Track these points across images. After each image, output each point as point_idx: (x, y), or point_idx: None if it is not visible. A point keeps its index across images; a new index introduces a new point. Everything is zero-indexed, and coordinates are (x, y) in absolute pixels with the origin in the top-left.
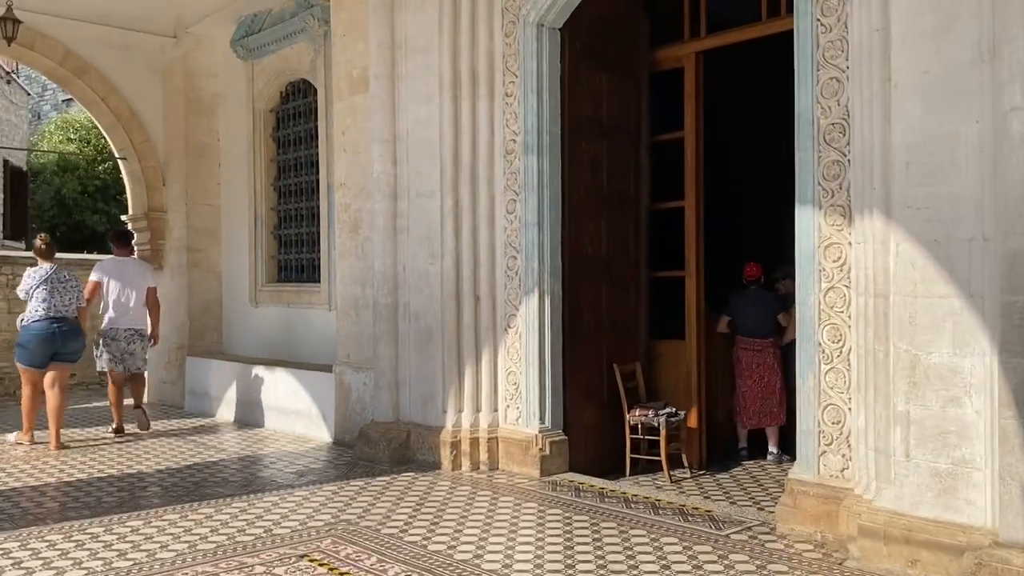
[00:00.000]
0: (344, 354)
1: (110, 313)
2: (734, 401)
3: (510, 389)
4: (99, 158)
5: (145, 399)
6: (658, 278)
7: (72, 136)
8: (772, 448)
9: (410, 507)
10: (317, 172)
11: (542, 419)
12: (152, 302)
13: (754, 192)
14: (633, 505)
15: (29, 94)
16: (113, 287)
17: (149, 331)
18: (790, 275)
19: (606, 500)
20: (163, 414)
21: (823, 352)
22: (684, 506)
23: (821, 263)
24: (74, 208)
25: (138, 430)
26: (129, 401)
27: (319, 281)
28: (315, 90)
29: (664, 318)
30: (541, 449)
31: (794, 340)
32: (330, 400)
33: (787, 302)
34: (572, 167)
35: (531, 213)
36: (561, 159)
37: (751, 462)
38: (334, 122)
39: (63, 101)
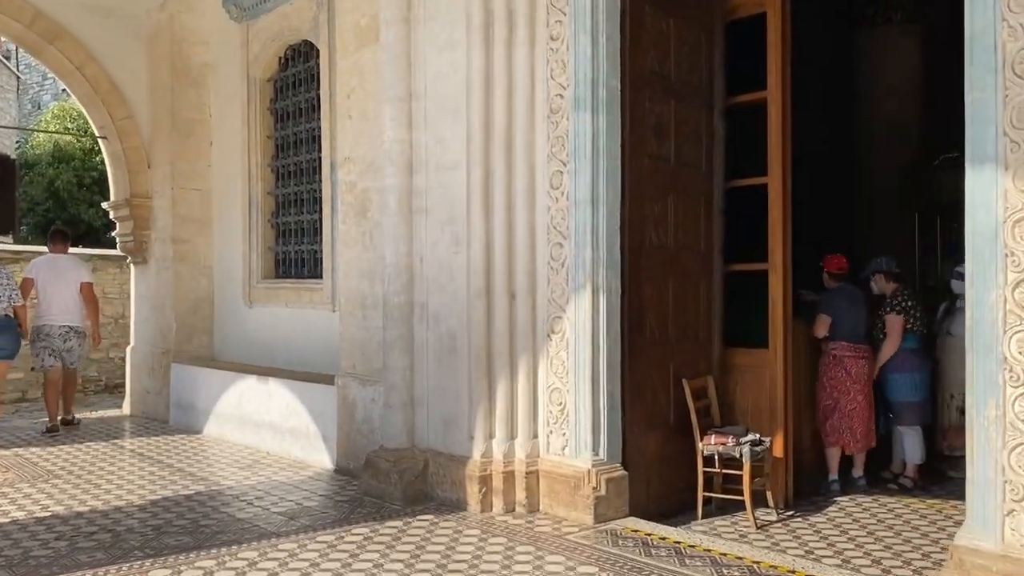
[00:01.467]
0: (348, 364)
1: (42, 309)
2: (825, 420)
3: (554, 411)
4: (95, 148)
5: (122, 410)
6: (733, 272)
7: (69, 125)
8: (859, 474)
9: (428, 572)
10: (319, 149)
11: (595, 449)
12: (88, 297)
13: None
14: (727, 570)
15: (19, 76)
16: (45, 283)
17: (88, 329)
18: (882, 270)
19: (687, 562)
20: (144, 429)
21: (1010, 371)
22: (794, 573)
23: (1008, 244)
24: (69, 201)
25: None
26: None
27: (321, 276)
28: (317, 52)
29: (738, 321)
30: (595, 488)
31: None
32: (332, 418)
33: (885, 304)
34: (634, 132)
35: (583, 188)
36: (621, 120)
37: (844, 497)
38: (337, 86)
39: (63, 90)
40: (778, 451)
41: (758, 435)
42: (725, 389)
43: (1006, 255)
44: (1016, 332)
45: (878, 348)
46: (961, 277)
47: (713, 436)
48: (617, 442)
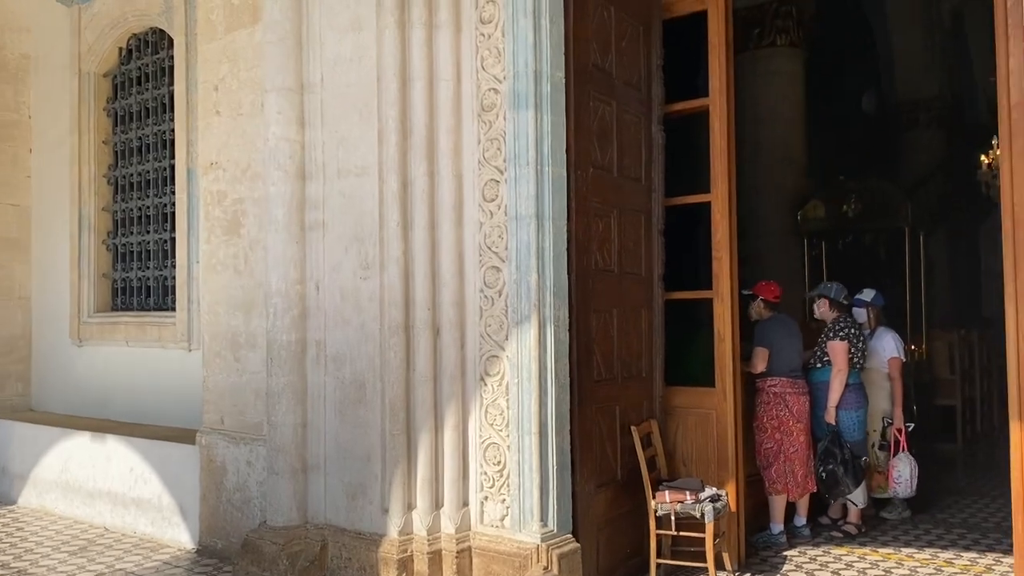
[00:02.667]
0: (215, 417)
1: None
2: (768, 465)
3: (490, 472)
4: None
5: None
6: (671, 300)
7: None
8: (803, 522)
9: None
10: (172, 154)
11: (544, 519)
12: None
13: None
14: None
15: None
16: None
17: None
18: (828, 296)
19: None
20: None
21: None
22: None
23: None
24: None
25: None
26: None
27: (174, 308)
28: (170, 41)
29: (677, 356)
30: (547, 569)
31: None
32: (193, 485)
33: (826, 331)
34: (579, 136)
35: (526, 201)
36: (566, 121)
37: (793, 550)
38: (201, 76)
39: None
40: (731, 504)
41: (715, 489)
42: (665, 434)
43: None
44: None
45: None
46: (863, 304)
47: (667, 492)
48: (568, 507)
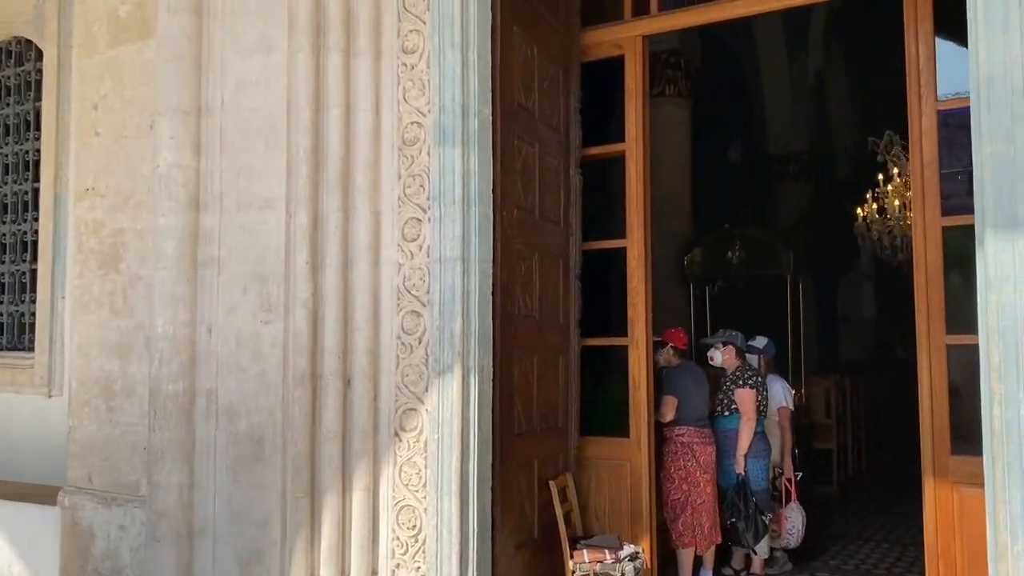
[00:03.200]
0: (82, 474)
1: None
2: (676, 518)
3: (403, 536)
4: None
5: None
6: (586, 347)
7: None
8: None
9: None
10: (36, 177)
11: None
12: None
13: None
14: None
15: None
16: None
17: None
18: (734, 343)
19: None
20: None
21: None
22: None
23: None
24: None
25: None
26: None
27: (32, 349)
28: (39, 52)
29: (590, 405)
30: None
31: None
32: (52, 553)
33: (732, 378)
34: (505, 175)
35: (451, 242)
36: (493, 159)
37: None
38: (77, 92)
39: None
40: (647, 560)
41: (633, 546)
42: (578, 487)
43: None
44: None
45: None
46: (755, 352)
47: (585, 551)
48: (487, 573)
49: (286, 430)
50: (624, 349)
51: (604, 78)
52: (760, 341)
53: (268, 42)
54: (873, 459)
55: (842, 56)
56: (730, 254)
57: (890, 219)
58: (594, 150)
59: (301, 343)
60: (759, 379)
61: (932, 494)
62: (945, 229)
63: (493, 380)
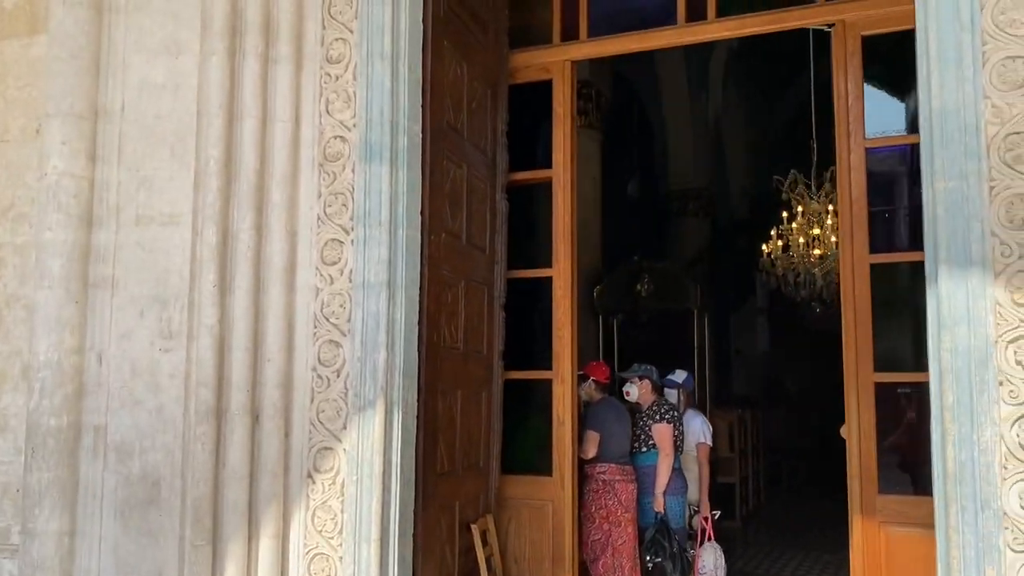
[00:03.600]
0: None
1: None
2: (596, 559)
3: None
4: None
5: None
6: (510, 381)
7: None
8: None
9: None
10: None
11: None
12: None
13: None
14: None
15: None
16: None
17: None
18: (650, 377)
19: None
20: None
21: (1013, 530)
22: None
23: (1003, 369)
24: None
25: None
26: None
27: None
28: None
29: (512, 442)
30: None
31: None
32: None
33: (649, 413)
34: (434, 197)
35: (376, 266)
36: (422, 180)
37: None
38: None
39: None
40: None
41: None
42: (498, 529)
43: (999, 383)
44: (1018, 480)
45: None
46: (674, 386)
47: None
48: None
49: (186, 470)
50: (548, 383)
51: (530, 102)
52: (679, 375)
53: (178, 43)
54: (771, 492)
55: (741, 96)
56: (639, 287)
57: (794, 256)
58: (520, 175)
59: (205, 374)
60: (676, 414)
61: (859, 533)
62: (873, 266)
63: (417, 417)
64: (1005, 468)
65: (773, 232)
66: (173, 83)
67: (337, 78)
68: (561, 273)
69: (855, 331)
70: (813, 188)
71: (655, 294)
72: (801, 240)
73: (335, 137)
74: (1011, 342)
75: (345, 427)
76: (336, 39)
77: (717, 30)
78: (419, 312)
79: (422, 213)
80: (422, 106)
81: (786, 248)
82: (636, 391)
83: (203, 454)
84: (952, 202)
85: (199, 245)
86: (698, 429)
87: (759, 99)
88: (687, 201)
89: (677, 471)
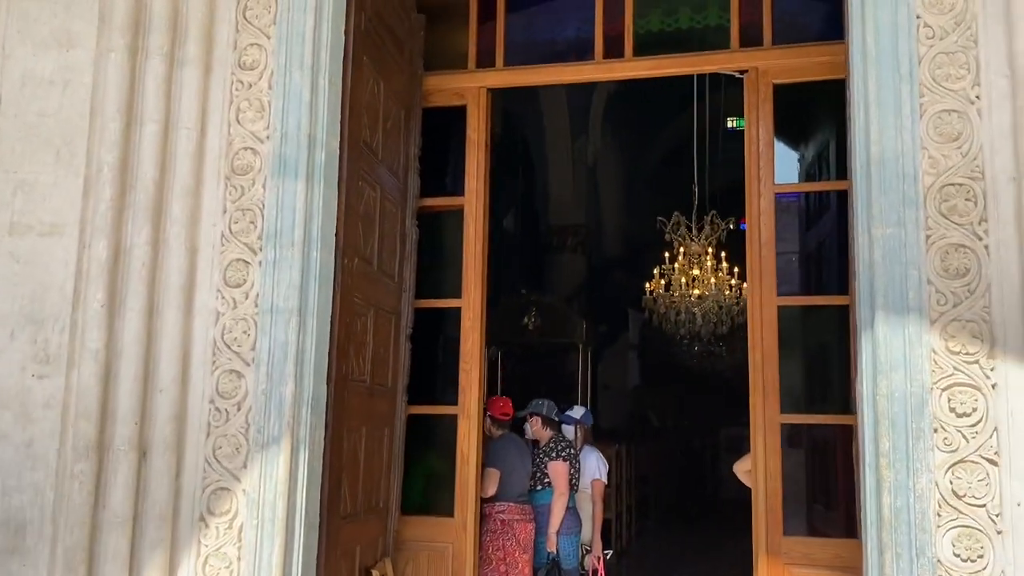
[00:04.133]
0: None
1: None
2: None
3: None
4: None
5: None
6: (412, 416)
7: None
8: None
9: None
10: None
11: None
12: None
13: None
14: None
15: None
16: None
17: None
18: (540, 413)
19: None
20: None
21: None
22: None
23: (937, 417)
24: None
25: None
26: None
27: None
28: None
29: (413, 481)
30: None
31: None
32: None
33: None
34: (349, 219)
35: (287, 291)
36: (338, 200)
37: None
38: None
39: None
40: None
41: None
42: (396, 573)
43: (935, 430)
44: (952, 527)
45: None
46: (572, 422)
47: None
48: None
49: (59, 514)
50: (453, 418)
51: (442, 127)
52: (577, 411)
53: (70, 35)
54: (641, 527)
55: (619, 136)
56: (527, 320)
57: (675, 295)
58: (432, 201)
59: (88, 405)
60: (573, 451)
61: (764, 574)
62: (780, 308)
63: (324, 456)
64: (939, 516)
65: (656, 271)
66: (62, 79)
67: (250, 86)
68: (471, 304)
69: (763, 372)
70: (694, 230)
71: (542, 328)
72: (684, 280)
73: (245, 149)
74: (945, 389)
75: (245, 466)
76: (251, 44)
77: (635, 68)
78: (330, 342)
79: (336, 235)
80: (341, 122)
81: (667, 287)
82: (530, 427)
83: (80, 495)
84: (890, 248)
85: (86, 259)
86: (594, 466)
87: (637, 141)
88: (566, 237)
89: (571, 510)
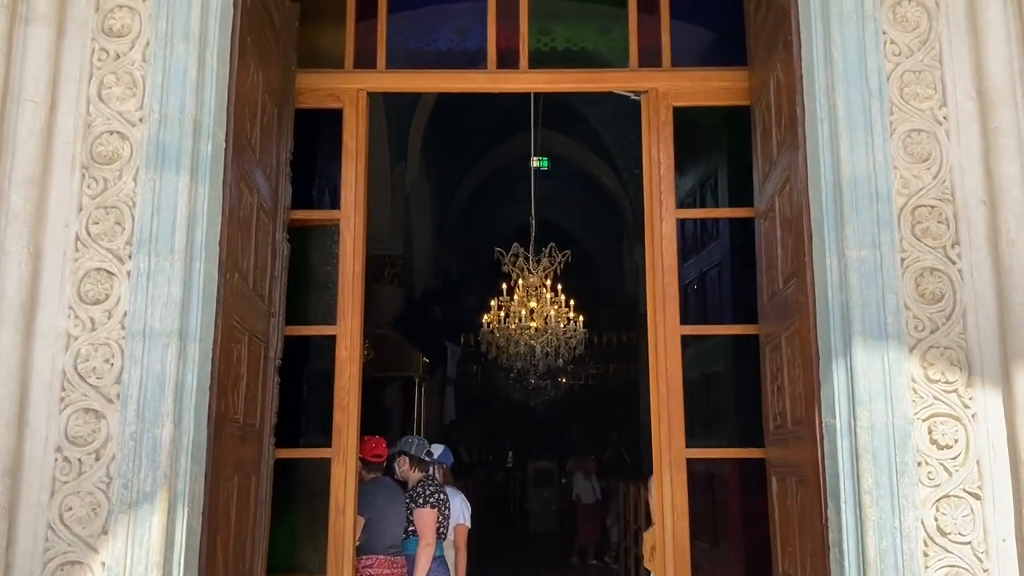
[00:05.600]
0: None
1: None
2: None
3: None
4: None
5: None
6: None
7: None
8: None
9: None
10: None
11: None
12: None
13: None
14: None
15: None
16: None
17: None
18: (407, 452)
19: None
20: None
21: None
22: None
23: (920, 450)
24: None
25: None
26: None
27: None
28: None
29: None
30: None
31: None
32: None
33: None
34: (232, 227)
35: (163, 308)
36: (223, 202)
37: None
38: None
39: None
40: None
41: None
42: None
43: (918, 463)
44: (940, 567)
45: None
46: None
47: None
48: None
49: None
50: (326, 463)
51: (313, 133)
52: (436, 448)
53: None
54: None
55: (436, 167)
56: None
57: (513, 328)
58: (303, 214)
59: None
60: (443, 496)
61: None
62: (684, 338)
63: (203, 514)
64: (926, 555)
65: (493, 303)
66: None
67: (119, 56)
68: (348, 332)
69: (667, 405)
70: (531, 261)
71: (376, 361)
72: (524, 311)
73: (110, 132)
74: (925, 420)
75: (105, 531)
76: (120, 6)
77: (530, 81)
78: (211, 374)
79: (221, 244)
80: (228, 108)
81: (506, 318)
82: (397, 468)
83: None
84: (866, 271)
85: None
86: (457, 509)
87: (457, 169)
88: (383, 267)
89: (439, 559)
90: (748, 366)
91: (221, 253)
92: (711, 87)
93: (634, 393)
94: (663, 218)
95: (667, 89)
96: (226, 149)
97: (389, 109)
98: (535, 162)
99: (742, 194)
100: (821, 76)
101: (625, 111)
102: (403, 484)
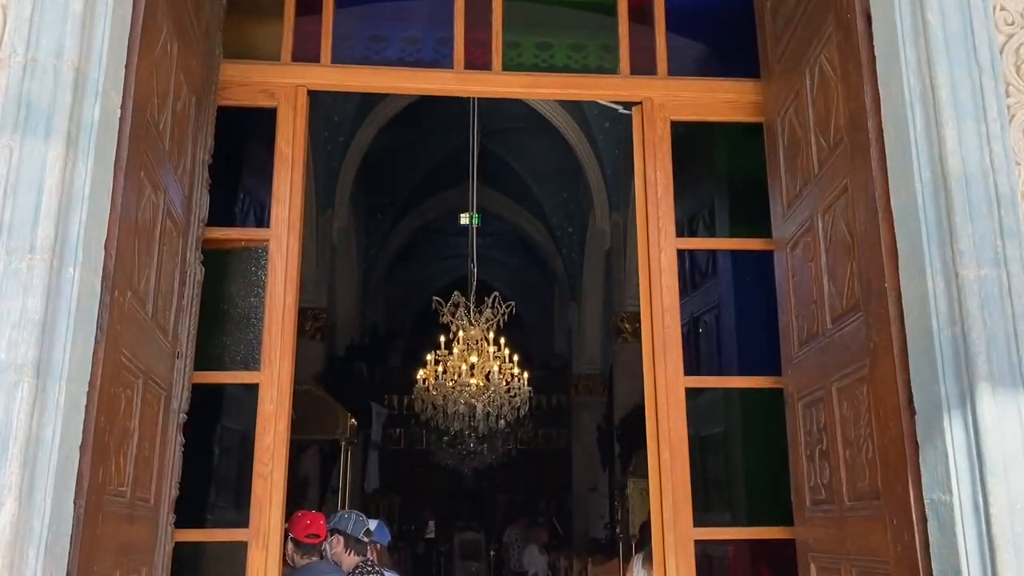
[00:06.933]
0: None
1: None
2: None
3: None
4: None
5: None
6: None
7: None
8: None
9: None
10: None
11: None
12: None
13: None
14: None
15: None
16: None
17: None
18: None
19: None
20: None
21: None
22: None
23: None
24: None
25: None
26: None
27: None
28: None
29: None
30: None
31: None
32: None
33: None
34: (125, 228)
35: (15, 331)
36: (113, 191)
37: None
38: None
39: None
40: None
41: None
42: None
43: None
44: None
45: None
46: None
47: None
48: None
49: None
50: (241, 547)
51: (239, 135)
52: (371, 524)
53: None
54: None
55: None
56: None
57: (451, 384)
58: (221, 233)
59: None
60: None
61: None
62: (689, 391)
63: None
64: None
65: (430, 356)
66: None
67: None
68: (274, 380)
69: (671, 472)
70: (472, 312)
71: (298, 421)
72: (464, 366)
73: None
74: None
75: None
76: None
77: (506, 84)
78: (85, 428)
79: (107, 248)
80: (128, 65)
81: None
82: (329, 549)
83: None
84: (989, 296)
85: None
86: None
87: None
88: (304, 321)
89: None
90: (757, 426)
91: (107, 260)
92: (715, 99)
93: (566, 459)
94: (662, 248)
95: (664, 100)
96: (122, 118)
97: (318, 154)
98: (463, 219)
99: (745, 224)
100: (911, 52)
101: (556, 168)
102: None
